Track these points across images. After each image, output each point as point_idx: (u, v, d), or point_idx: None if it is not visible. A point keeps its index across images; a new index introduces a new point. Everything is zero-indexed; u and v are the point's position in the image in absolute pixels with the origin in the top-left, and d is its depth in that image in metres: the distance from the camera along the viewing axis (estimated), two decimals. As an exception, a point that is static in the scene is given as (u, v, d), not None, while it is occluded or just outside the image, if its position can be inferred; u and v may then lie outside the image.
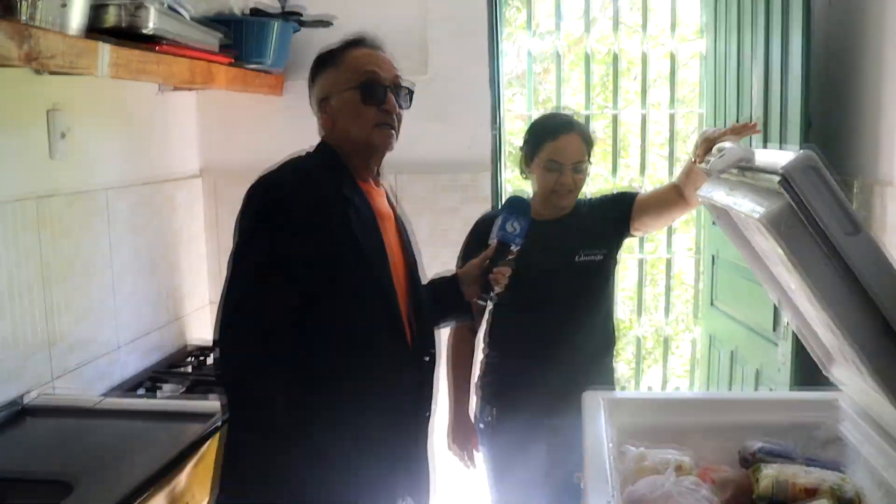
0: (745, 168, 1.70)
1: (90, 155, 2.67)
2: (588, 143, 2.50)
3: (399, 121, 1.93)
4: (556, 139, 2.44)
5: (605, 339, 2.60)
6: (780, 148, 2.68)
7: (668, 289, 3.84)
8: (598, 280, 2.54)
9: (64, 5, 1.93)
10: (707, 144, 2.20)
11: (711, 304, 3.34)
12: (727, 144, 2.07)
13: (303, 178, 1.83)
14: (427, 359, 1.99)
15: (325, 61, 1.94)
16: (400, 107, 1.91)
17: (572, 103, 4.65)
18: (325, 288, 1.78)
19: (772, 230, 1.44)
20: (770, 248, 1.82)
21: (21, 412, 2.30)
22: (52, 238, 2.45)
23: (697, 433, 2.23)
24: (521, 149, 2.57)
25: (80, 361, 2.60)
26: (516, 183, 4.52)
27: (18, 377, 2.32)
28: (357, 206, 1.85)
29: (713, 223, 3.23)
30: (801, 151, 1.40)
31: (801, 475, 1.94)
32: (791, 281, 1.81)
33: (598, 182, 4.19)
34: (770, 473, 1.96)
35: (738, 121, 2.98)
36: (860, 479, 1.96)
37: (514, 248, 2.13)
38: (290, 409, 1.73)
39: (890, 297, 1.35)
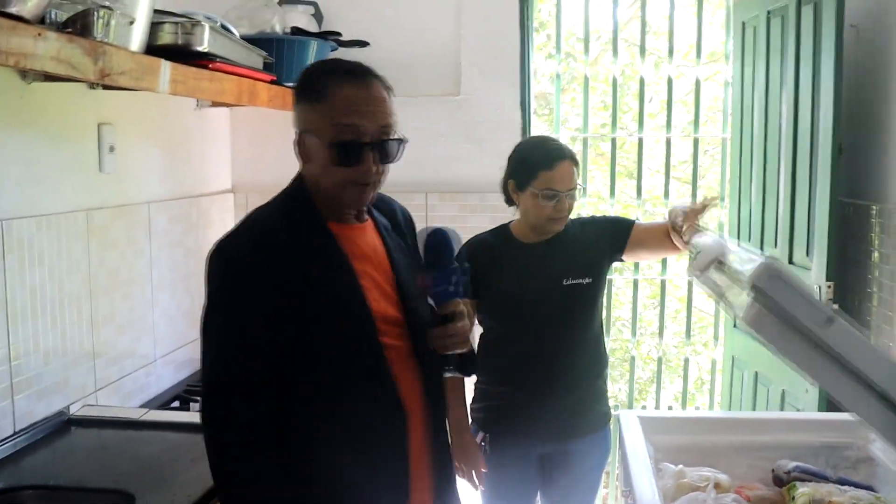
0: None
1: (134, 169, 2.71)
2: (577, 167, 2.48)
3: (382, 174, 1.70)
4: (551, 168, 2.41)
5: (597, 363, 2.58)
6: (810, 174, 2.75)
7: (689, 311, 3.89)
8: (586, 304, 2.52)
9: (131, 23, 1.98)
10: (677, 230, 2.34)
11: (735, 325, 3.38)
12: (703, 240, 2.18)
13: (260, 237, 1.67)
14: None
15: (306, 87, 1.73)
16: (383, 162, 1.68)
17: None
18: (297, 348, 1.64)
19: (755, 330, 1.53)
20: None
21: (67, 423, 2.32)
22: (99, 250, 2.49)
23: (729, 452, 2.27)
24: (510, 176, 2.52)
25: (120, 374, 2.63)
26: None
27: (65, 387, 2.35)
28: (324, 254, 1.68)
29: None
30: (763, 261, 1.49)
31: (837, 494, 1.99)
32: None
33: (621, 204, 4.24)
34: (806, 492, 2.00)
35: (765, 147, 3.05)
36: (894, 499, 2.01)
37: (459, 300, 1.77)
38: (281, 479, 1.62)
39: (876, 375, 1.43)
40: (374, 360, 1.68)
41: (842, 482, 2.10)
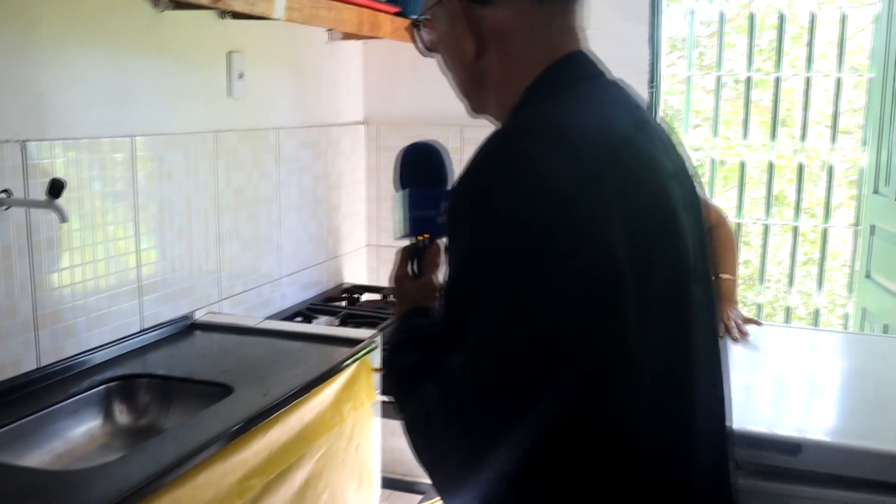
0: None
1: (263, 96, 2.86)
2: None
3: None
4: None
5: None
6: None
7: (822, 260, 3.72)
8: None
9: (247, -48, 2.10)
10: None
11: (867, 276, 3.22)
12: None
13: None
14: None
15: None
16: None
17: (737, 68, 4.54)
18: None
19: None
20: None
21: (191, 326, 2.53)
22: (226, 170, 2.66)
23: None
24: None
25: (244, 287, 2.82)
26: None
27: (190, 295, 2.55)
28: None
29: (874, 192, 3.11)
30: None
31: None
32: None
33: (759, 152, 4.08)
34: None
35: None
36: None
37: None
38: None
39: None
40: None
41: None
